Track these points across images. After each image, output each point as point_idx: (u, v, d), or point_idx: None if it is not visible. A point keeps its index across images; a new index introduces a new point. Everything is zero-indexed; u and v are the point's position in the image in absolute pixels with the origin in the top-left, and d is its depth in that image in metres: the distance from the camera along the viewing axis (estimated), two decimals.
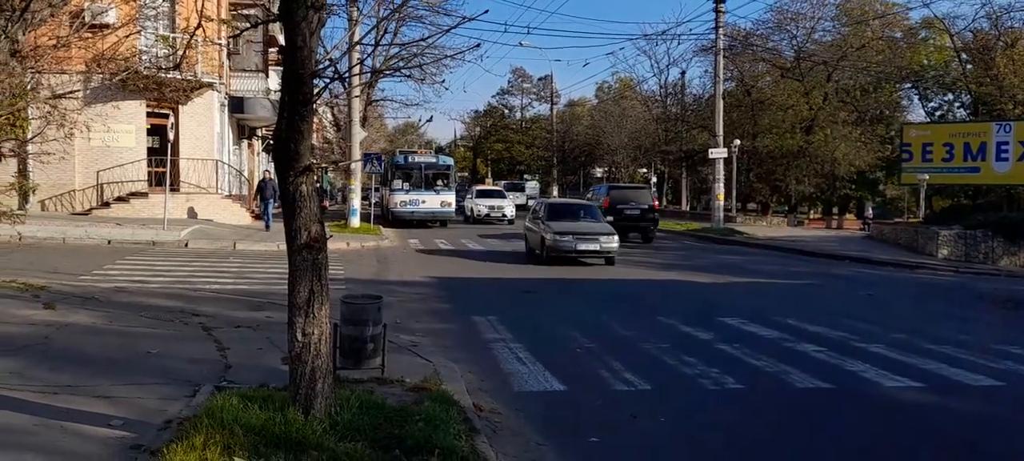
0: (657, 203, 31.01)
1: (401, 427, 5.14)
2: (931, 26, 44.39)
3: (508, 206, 35.25)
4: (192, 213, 23.60)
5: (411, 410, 5.58)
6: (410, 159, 33.59)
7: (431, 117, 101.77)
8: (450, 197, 32.22)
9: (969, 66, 42.33)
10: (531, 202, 36.50)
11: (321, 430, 4.87)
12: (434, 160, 34.95)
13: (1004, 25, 39.29)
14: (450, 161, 36.06)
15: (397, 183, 31.95)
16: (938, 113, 47.42)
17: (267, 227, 22.79)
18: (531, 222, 20.41)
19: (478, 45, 12.83)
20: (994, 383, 8.03)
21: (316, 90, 5.27)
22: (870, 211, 43.54)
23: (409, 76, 31.82)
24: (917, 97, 49.30)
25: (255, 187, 25.32)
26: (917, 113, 48.90)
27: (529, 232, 20.40)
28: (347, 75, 7.60)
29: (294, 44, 4.97)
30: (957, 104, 46.67)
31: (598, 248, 18.15)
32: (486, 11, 5.43)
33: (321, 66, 5.55)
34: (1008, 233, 22.24)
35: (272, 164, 34.36)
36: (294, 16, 4.93)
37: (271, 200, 22.92)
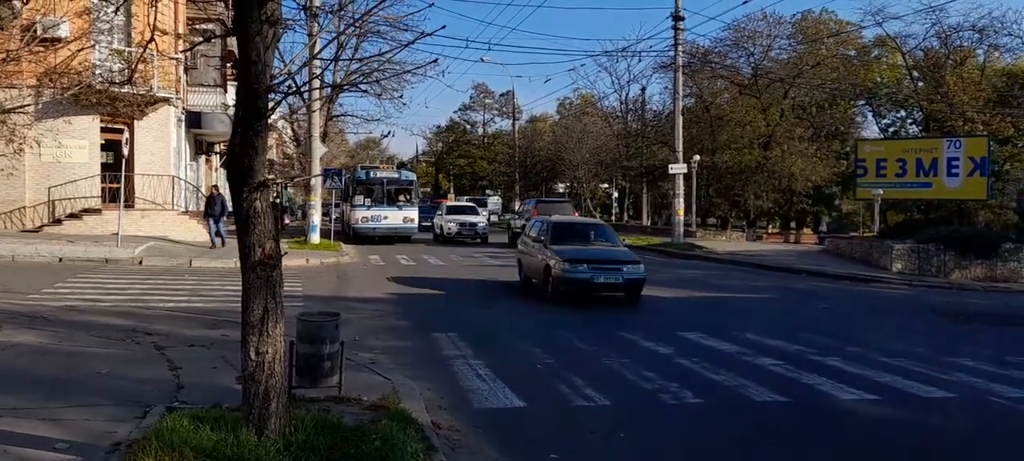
0: (577, 214, 37.61)
1: (357, 447, 5.06)
2: (884, 44, 45.44)
3: (481, 222, 33.48)
4: (144, 230, 23.16)
5: (368, 429, 5.50)
6: (372, 174, 33.14)
7: (392, 133, 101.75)
8: (413, 213, 31.94)
9: (920, 84, 43.40)
10: (516, 219, 34.03)
11: (274, 451, 4.77)
12: (396, 175, 34.34)
13: (953, 44, 40.40)
14: (413, 176, 35.45)
15: (359, 199, 31.45)
16: (891, 129, 48.46)
17: (213, 245, 21.91)
18: (530, 245, 16.83)
19: (436, 61, 12.76)
20: (946, 395, 8.17)
21: (272, 104, 5.20)
22: (824, 226, 44.28)
23: (368, 92, 31.67)
24: (871, 114, 50.39)
25: (204, 203, 24.43)
26: (871, 129, 49.97)
27: (525, 256, 17.03)
28: (306, 89, 7.52)
29: (248, 58, 4.90)
30: (909, 120, 47.76)
31: (620, 280, 14.61)
32: (443, 26, 5.43)
33: (279, 80, 5.49)
34: (959, 247, 22.73)
35: (221, 179, 33.90)
36: (248, 30, 4.87)
37: (221, 217, 22.19)
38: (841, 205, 55.69)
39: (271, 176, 5.41)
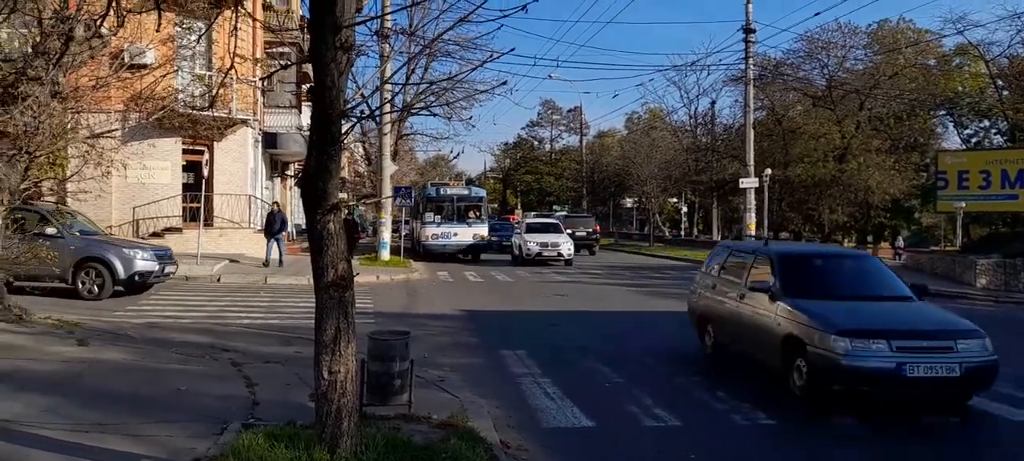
0: (598, 227, 42.98)
1: None
2: (965, 53, 43.86)
3: (565, 243, 29.87)
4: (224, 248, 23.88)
5: (437, 448, 5.54)
6: (441, 191, 32.94)
7: (462, 151, 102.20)
8: (483, 229, 31.68)
9: (1005, 92, 41.68)
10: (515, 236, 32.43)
11: None
12: (466, 192, 34.01)
13: None
14: (482, 192, 35.17)
15: (429, 216, 31.41)
16: (974, 140, 46.71)
17: (266, 263, 21.60)
18: (727, 289, 10.46)
19: (505, 82, 12.75)
20: None
21: (346, 128, 5.31)
22: (901, 241, 42.74)
23: (438, 115, 31.85)
24: (952, 124, 48.68)
25: (265, 221, 23.72)
26: (952, 140, 48.26)
27: (714, 304, 10.77)
28: (378, 113, 7.67)
29: (323, 84, 5.02)
30: (993, 131, 45.97)
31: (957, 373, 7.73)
32: (512, 49, 5.53)
33: (352, 105, 5.61)
34: None
35: (282, 196, 34.35)
36: (323, 57, 4.98)
37: (280, 235, 22.02)
38: (920, 218, 53.86)
39: (343, 195, 5.51)
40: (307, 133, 28.39)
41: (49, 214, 15.42)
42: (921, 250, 36.40)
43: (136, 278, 15.35)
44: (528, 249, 29.24)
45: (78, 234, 15.74)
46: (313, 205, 5.20)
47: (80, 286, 14.90)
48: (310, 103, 23.03)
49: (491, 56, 6.55)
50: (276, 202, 24.80)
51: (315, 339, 5.17)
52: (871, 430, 7.36)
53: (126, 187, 23.06)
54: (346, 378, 5.11)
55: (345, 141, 5.36)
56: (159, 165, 23.49)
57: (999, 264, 22.33)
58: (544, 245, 29.38)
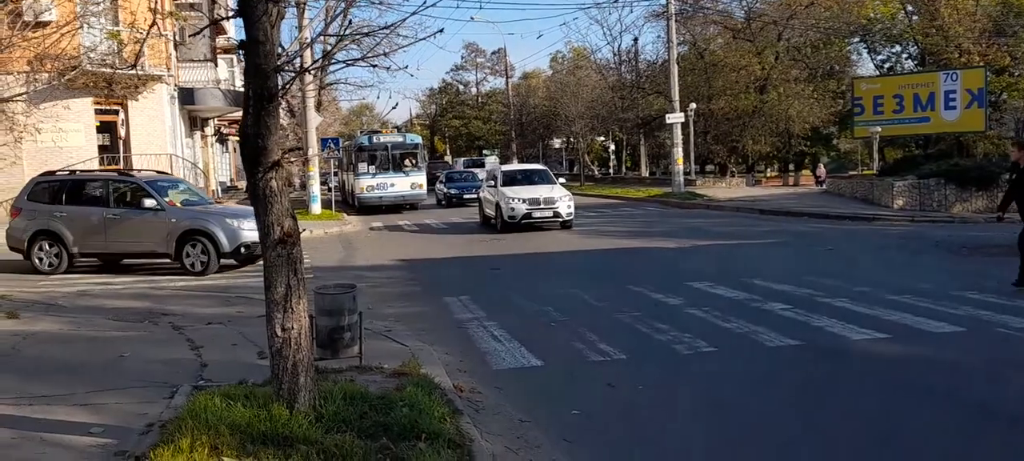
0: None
1: (386, 414, 5.17)
2: None
3: (563, 199, 20.87)
4: None
5: (394, 397, 5.60)
6: (375, 140, 31.45)
7: (396, 104, 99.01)
8: (421, 178, 30.82)
9: (915, 17, 43.06)
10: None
11: (307, 424, 4.87)
12: (401, 139, 32.57)
13: None
14: (418, 139, 33.91)
15: (362, 166, 30.15)
16: (887, 65, 48.18)
17: None
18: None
19: (442, 30, 12.51)
20: (955, 329, 8.29)
21: (283, 84, 5.22)
22: (822, 169, 44.00)
23: (375, 66, 30.72)
24: (866, 51, 50.02)
25: None
26: (866, 67, 49.68)
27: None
28: (307, 69, 7.53)
29: (256, 39, 4.90)
30: (905, 56, 47.46)
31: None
32: None
33: (282, 61, 5.49)
34: (960, 180, 22.80)
35: (203, 153, 33.07)
36: (255, 10, 4.86)
37: None
38: (839, 145, 55.60)
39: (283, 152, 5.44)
40: (225, 87, 27.57)
41: (147, 185, 14.38)
42: (841, 176, 37.68)
43: (242, 249, 14.03)
44: (510, 209, 20.43)
45: (180, 205, 14.60)
46: (253, 163, 5.11)
47: (185, 261, 13.82)
48: (227, 54, 22.40)
49: (425, 3, 6.40)
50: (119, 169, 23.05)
51: (266, 297, 5.13)
52: (802, 355, 7.71)
53: (38, 152, 22.10)
54: (300, 334, 5.11)
55: (281, 96, 5.25)
56: (72, 127, 22.57)
57: (914, 185, 23.32)
58: (534, 203, 20.53)
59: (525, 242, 17.97)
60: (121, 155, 23.41)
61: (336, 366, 6.62)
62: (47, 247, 14.24)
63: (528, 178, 22.39)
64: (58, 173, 15.53)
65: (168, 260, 14.21)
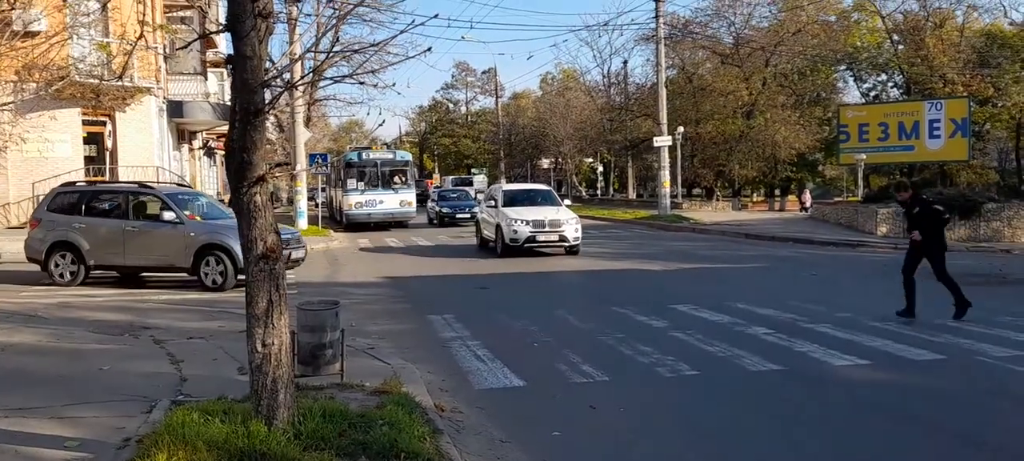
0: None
1: (365, 433, 5.15)
2: (863, 8, 45.60)
3: (569, 222, 19.35)
4: None
5: (373, 415, 5.58)
6: (364, 156, 31.09)
7: (383, 121, 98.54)
8: (410, 196, 30.41)
9: (900, 47, 43.64)
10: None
11: (285, 441, 4.84)
12: (391, 156, 32.24)
13: (932, 6, 40.61)
14: (408, 156, 33.46)
15: (351, 182, 29.70)
16: (873, 93, 48.74)
17: None
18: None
19: (429, 49, 12.55)
20: (936, 357, 8.34)
21: (270, 98, 5.23)
22: (808, 195, 44.12)
23: (363, 83, 30.41)
24: (852, 79, 50.66)
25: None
26: (853, 94, 50.24)
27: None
28: (295, 84, 7.54)
29: (243, 54, 4.91)
30: (890, 84, 48.06)
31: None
32: (436, 15, 5.39)
33: (270, 76, 5.51)
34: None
35: (190, 166, 32.78)
36: (243, 25, 4.88)
37: None
38: (825, 171, 56.04)
39: (268, 166, 5.44)
40: (214, 101, 27.50)
41: (167, 198, 14.14)
42: (826, 202, 37.98)
43: None
44: (513, 232, 18.91)
45: (200, 219, 14.34)
46: (238, 178, 5.11)
47: (203, 276, 13.55)
48: (217, 67, 22.34)
49: (413, 23, 6.45)
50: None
51: (247, 312, 5.11)
52: (784, 380, 7.73)
53: (24, 162, 21.95)
54: (280, 350, 5.08)
55: (268, 111, 5.26)
56: (59, 138, 22.41)
57: (898, 212, 23.48)
58: (539, 226, 18.95)
59: (512, 263, 17.97)
60: (107, 167, 23.28)
61: (317, 383, 6.59)
62: (65, 259, 14.04)
63: (531, 198, 21.01)
64: (78, 184, 15.30)
65: (185, 274, 13.98)
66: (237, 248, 13.11)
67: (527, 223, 18.83)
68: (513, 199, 20.68)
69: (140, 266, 14.42)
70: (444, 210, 33.16)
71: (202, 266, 13.57)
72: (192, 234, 13.65)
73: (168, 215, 13.84)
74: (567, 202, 21.64)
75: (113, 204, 14.42)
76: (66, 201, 14.46)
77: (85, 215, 14.26)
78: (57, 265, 14.05)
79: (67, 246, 14.04)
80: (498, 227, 19.57)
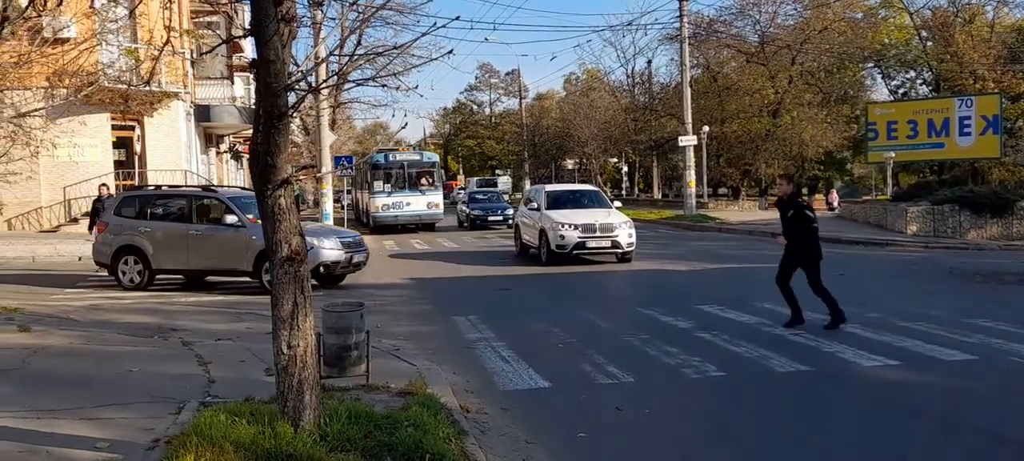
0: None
1: (391, 434, 5.16)
2: (890, 5, 45.08)
3: (622, 227, 17.72)
4: None
5: (399, 416, 5.59)
6: (391, 158, 30.70)
7: (406, 123, 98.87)
8: (437, 198, 30.07)
9: (929, 43, 43.03)
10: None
11: (311, 442, 4.87)
12: (418, 157, 32.03)
13: (962, 2, 39.97)
14: (435, 158, 33.07)
15: (378, 185, 29.44)
16: (901, 91, 48.11)
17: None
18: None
19: (451, 51, 12.62)
20: (967, 357, 8.20)
21: (293, 101, 5.26)
22: (834, 194, 43.48)
23: (386, 85, 30.17)
24: (880, 76, 50.07)
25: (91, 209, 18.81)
26: (881, 92, 49.65)
27: None
28: (318, 87, 7.57)
29: (267, 58, 4.94)
30: (919, 81, 47.43)
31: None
32: (457, 17, 5.40)
33: (294, 79, 5.54)
34: (974, 207, 22.65)
35: (218, 169, 33.19)
36: (266, 30, 4.91)
37: None
38: (852, 169, 55.44)
39: (291, 170, 5.47)
40: (240, 105, 27.77)
41: (230, 201, 13.94)
42: (854, 200, 37.54)
43: (322, 269, 13.66)
44: (559, 237, 17.19)
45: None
46: (263, 181, 5.14)
47: (264, 281, 12.86)
48: (243, 72, 22.55)
49: (436, 26, 6.44)
50: (103, 184, 18.62)
51: (273, 315, 5.14)
52: (812, 381, 7.65)
53: (55, 167, 22.33)
54: (306, 352, 5.11)
55: (292, 114, 5.28)
56: (89, 143, 22.79)
57: (928, 211, 23.18)
58: (589, 231, 17.28)
59: (533, 261, 17.94)
60: (136, 171, 23.60)
61: (342, 384, 6.61)
62: (132, 263, 14.12)
63: (577, 200, 19.17)
64: (145, 188, 15.34)
65: (248, 278, 13.89)
66: None
67: (575, 227, 17.16)
68: (558, 201, 18.84)
69: (203, 270, 14.39)
70: (475, 212, 31.83)
71: (263, 271, 13.02)
72: (254, 238, 13.22)
73: (230, 218, 13.71)
74: (617, 204, 19.80)
75: (177, 208, 14.49)
76: (132, 205, 14.57)
77: (150, 219, 14.34)
78: (124, 269, 14.09)
79: (133, 250, 14.08)
80: (542, 232, 17.93)
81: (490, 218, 31.05)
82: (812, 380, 7.55)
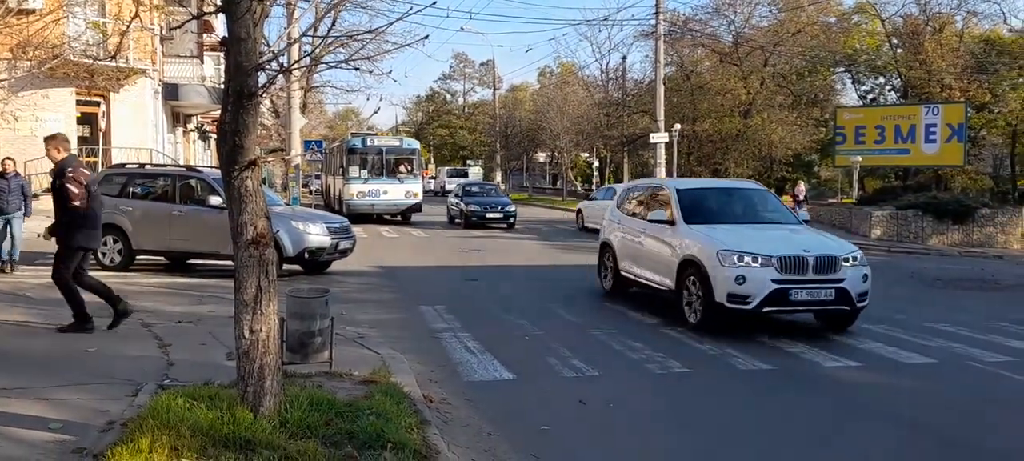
0: None
1: (352, 422, 5.10)
2: (863, 11, 45.54)
3: (850, 261, 9.65)
4: None
5: (361, 404, 5.53)
6: (368, 143, 28.83)
7: (378, 109, 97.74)
8: (417, 186, 28.44)
9: (899, 50, 43.59)
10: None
11: (271, 428, 4.79)
12: (397, 143, 30.21)
13: (932, 10, 40.55)
14: (416, 145, 31.02)
15: (353, 170, 27.63)
16: (870, 96, 48.72)
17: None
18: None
19: (427, 36, 12.42)
20: (927, 361, 8.33)
21: (263, 81, 5.16)
22: (801, 186, 43.47)
23: (360, 69, 29.47)
24: (850, 81, 50.60)
25: None
26: (850, 96, 50.20)
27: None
28: (289, 68, 7.47)
29: (238, 36, 4.85)
30: (888, 87, 48.03)
31: None
32: (434, 3, 5.30)
33: (264, 59, 5.44)
34: (937, 213, 23.06)
35: (184, 149, 32.70)
36: (238, 6, 4.81)
37: (15, 214, 13.57)
38: (819, 172, 56.06)
39: (260, 152, 5.38)
40: (210, 84, 27.31)
41: (214, 182, 13.14)
42: (820, 202, 37.97)
43: (307, 255, 13.31)
44: (737, 282, 9.18)
45: None
46: (230, 162, 5.04)
47: None
48: (214, 52, 22.20)
49: (411, 11, 6.38)
50: (9, 158, 14.07)
51: (235, 298, 5.06)
52: (774, 380, 7.71)
53: (16, 141, 21.77)
54: (268, 337, 5.03)
55: (262, 95, 5.19)
56: (52, 117, 22.25)
57: (892, 215, 23.55)
58: (796, 270, 9.23)
59: (504, 255, 17.92)
60: (101, 147, 23.15)
61: (305, 371, 6.53)
62: (111, 242, 13.61)
63: (733, 206, 11.38)
64: (128, 166, 14.95)
65: (231, 261, 13.59)
66: (283, 236, 12.85)
67: (767, 263, 9.25)
68: (701, 207, 10.87)
69: (186, 252, 13.96)
70: (471, 208, 27.42)
71: None
72: None
73: (215, 200, 13.09)
74: (804, 215, 14.10)
75: (160, 187, 14.12)
76: (114, 183, 14.06)
77: (132, 198, 13.92)
78: (103, 249, 13.41)
79: (114, 229, 13.53)
80: (685, 267, 10.04)
81: (489, 215, 27.32)
82: (774, 378, 7.62)
